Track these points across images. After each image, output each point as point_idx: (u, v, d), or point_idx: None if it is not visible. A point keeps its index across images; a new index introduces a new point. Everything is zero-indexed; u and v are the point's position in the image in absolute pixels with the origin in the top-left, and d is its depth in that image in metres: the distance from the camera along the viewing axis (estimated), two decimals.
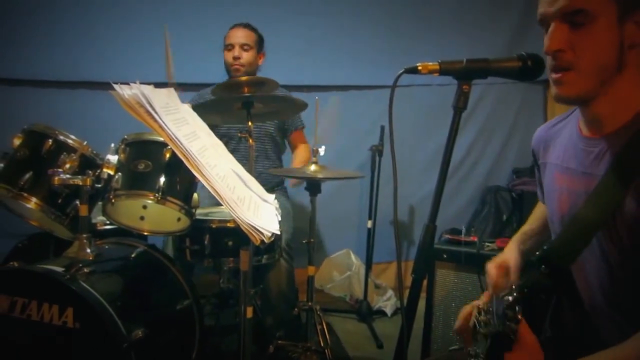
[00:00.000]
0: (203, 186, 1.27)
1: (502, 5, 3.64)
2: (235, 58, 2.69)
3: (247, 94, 2.02)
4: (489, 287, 1.30)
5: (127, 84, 1.15)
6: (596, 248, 1.06)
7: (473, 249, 2.16)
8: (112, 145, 1.80)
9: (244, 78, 2.15)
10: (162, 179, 1.73)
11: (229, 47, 2.73)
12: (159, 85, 1.26)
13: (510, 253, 1.38)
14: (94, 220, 2.04)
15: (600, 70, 1.00)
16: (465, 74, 1.04)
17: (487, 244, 2.20)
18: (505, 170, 3.78)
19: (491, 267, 1.34)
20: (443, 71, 1.03)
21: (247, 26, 2.75)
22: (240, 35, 2.72)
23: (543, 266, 1.08)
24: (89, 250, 1.71)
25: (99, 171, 1.72)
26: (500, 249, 2.10)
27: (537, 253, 1.13)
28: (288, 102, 2.28)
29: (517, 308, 0.97)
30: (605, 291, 1.08)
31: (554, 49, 1.01)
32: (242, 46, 2.70)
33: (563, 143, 1.20)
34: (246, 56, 2.70)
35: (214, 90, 2.26)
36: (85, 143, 1.79)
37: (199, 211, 1.89)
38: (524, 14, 3.62)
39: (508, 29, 3.65)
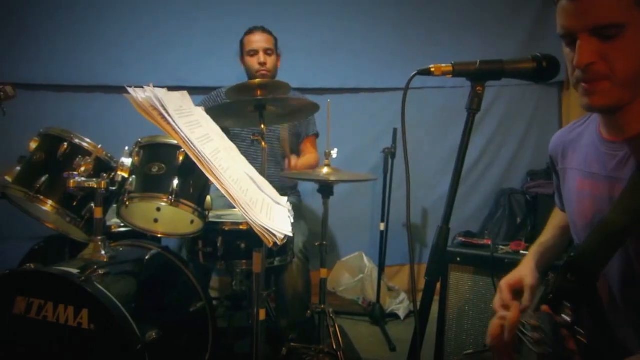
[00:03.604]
0: (216, 189, 1.27)
1: (516, 7, 3.61)
2: (262, 64, 2.67)
3: (260, 97, 2.03)
4: (495, 305, 1.26)
5: (142, 87, 1.16)
6: (621, 252, 1.04)
7: (487, 252, 2.15)
8: (127, 148, 1.81)
9: (256, 81, 2.16)
10: (176, 182, 1.74)
11: (251, 52, 2.70)
12: (172, 89, 1.27)
13: (526, 270, 1.34)
14: (108, 223, 2.05)
15: (634, 79, 0.99)
16: (479, 75, 1.03)
17: (501, 246, 2.18)
18: (520, 173, 3.74)
19: (504, 286, 1.30)
20: (456, 73, 1.02)
21: (265, 30, 2.73)
22: (262, 40, 2.70)
23: (570, 273, 1.05)
24: (103, 253, 1.73)
25: (113, 174, 1.73)
26: (515, 252, 2.12)
27: (564, 260, 1.10)
28: (301, 104, 2.28)
29: (576, 328, 0.93)
30: (628, 296, 1.06)
31: (585, 62, 0.98)
32: (266, 51, 2.68)
33: (584, 148, 1.18)
34: (270, 61, 2.69)
35: (228, 92, 2.27)
36: (100, 146, 1.81)
37: (211, 213, 1.90)
38: (539, 16, 3.59)
39: (522, 30, 3.61)
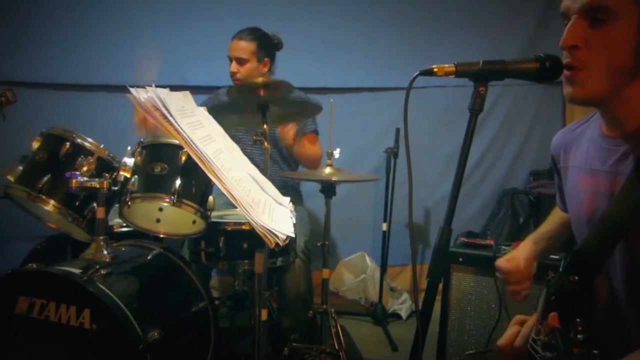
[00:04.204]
0: (219, 189, 1.27)
1: (518, 7, 3.61)
2: (233, 73, 2.64)
3: (262, 97, 2.02)
4: (499, 282, 1.30)
5: (144, 87, 1.16)
6: (624, 246, 1.04)
7: (489, 252, 2.14)
8: (129, 148, 1.81)
9: (259, 80, 2.13)
10: (178, 182, 1.74)
11: (229, 58, 2.66)
12: (173, 88, 1.27)
13: (522, 250, 1.37)
14: (110, 223, 2.05)
15: (612, 73, 0.99)
16: (482, 75, 1.02)
17: (503, 247, 2.18)
18: (523, 173, 3.74)
19: (502, 261, 1.35)
20: (459, 73, 1.02)
21: (248, 36, 2.63)
22: (235, 49, 2.62)
23: (572, 274, 1.05)
24: (105, 252, 1.73)
25: (115, 174, 1.74)
26: None
27: (566, 261, 1.09)
28: (304, 105, 2.26)
29: (594, 350, 0.91)
30: (630, 289, 1.06)
31: (568, 44, 1.00)
32: (238, 60, 2.62)
33: (585, 145, 1.18)
34: (243, 70, 2.62)
35: (230, 91, 2.26)
36: (102, 146, 1.81)
37: (214, 214, 1.90)
38: (542, 16, 3.59)
39: (525, 30, 3.61)
